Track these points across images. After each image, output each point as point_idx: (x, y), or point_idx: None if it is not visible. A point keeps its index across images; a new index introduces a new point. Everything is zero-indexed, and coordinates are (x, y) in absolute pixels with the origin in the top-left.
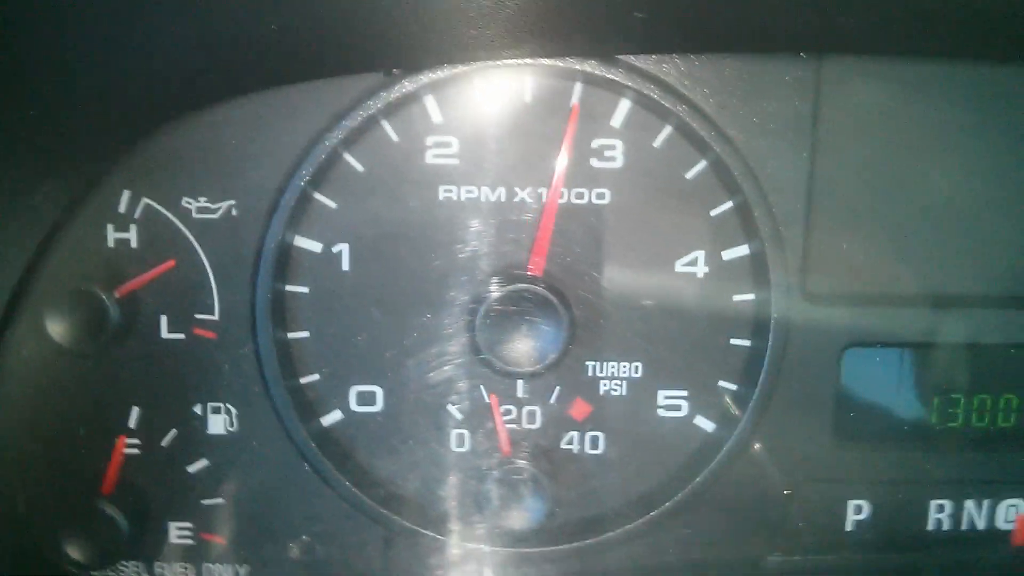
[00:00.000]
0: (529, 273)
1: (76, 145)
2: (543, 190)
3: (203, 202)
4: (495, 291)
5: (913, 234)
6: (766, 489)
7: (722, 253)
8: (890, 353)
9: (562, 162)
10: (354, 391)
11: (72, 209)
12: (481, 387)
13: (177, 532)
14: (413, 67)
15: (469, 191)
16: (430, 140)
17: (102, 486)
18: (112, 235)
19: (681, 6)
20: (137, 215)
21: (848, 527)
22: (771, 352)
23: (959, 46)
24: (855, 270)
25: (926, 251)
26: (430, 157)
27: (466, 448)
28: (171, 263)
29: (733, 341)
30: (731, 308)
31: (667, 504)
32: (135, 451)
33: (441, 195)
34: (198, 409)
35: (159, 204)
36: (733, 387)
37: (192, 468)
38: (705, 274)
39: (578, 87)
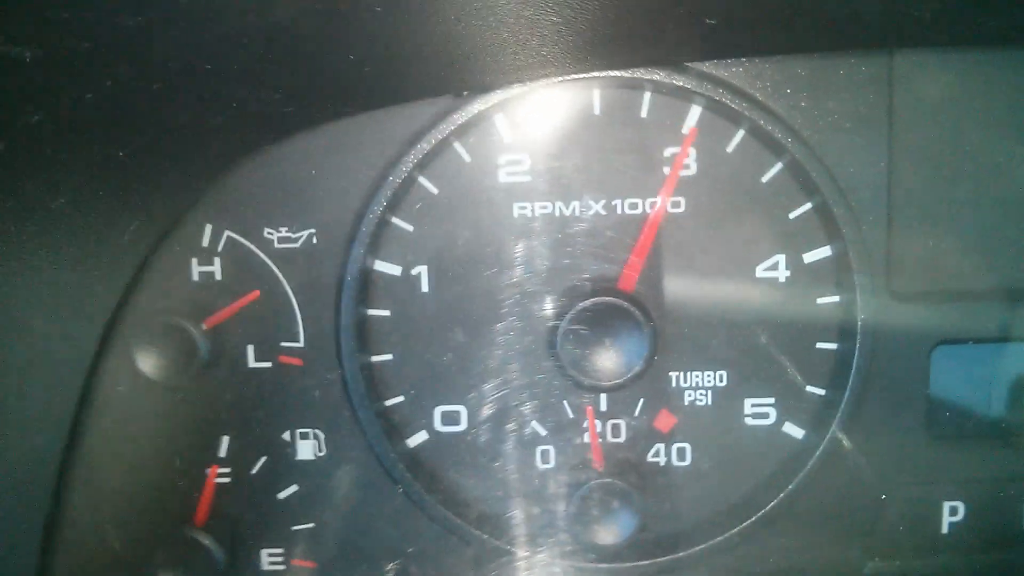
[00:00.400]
0: (615, 287)
1: (159, 182)
2: (618, 201)
3: (284, 232)
4: (576, 306)
5: (997, 226)
6: (860, 494)
7: (803, 256)
8: (981, 349)
9: (669, 178)
10: (439, 411)
11: (158, 245)
12: (565, 403)
13: (270, 559)
14: (482, 88)
15: (543, 207)
16: (502, 159)
17: (195, 516)
18: (197, 268)
19: (750, 9)
20: (220, 248)
21: (944, 529)
22: (860, 354)
23: None
24: (940, 266)
25: (1012, 243)
26: (503, 175)
27: (552, 464)
28: (256, 294)
29: (819, 345)
30: (816, 311)
31: (759, 514)
32: (226, 480)
33: (516, 212)
34: (287, 436)
35: (241, 236)
36: (822, 392)
37: (283, 495)
38: (787, 278)
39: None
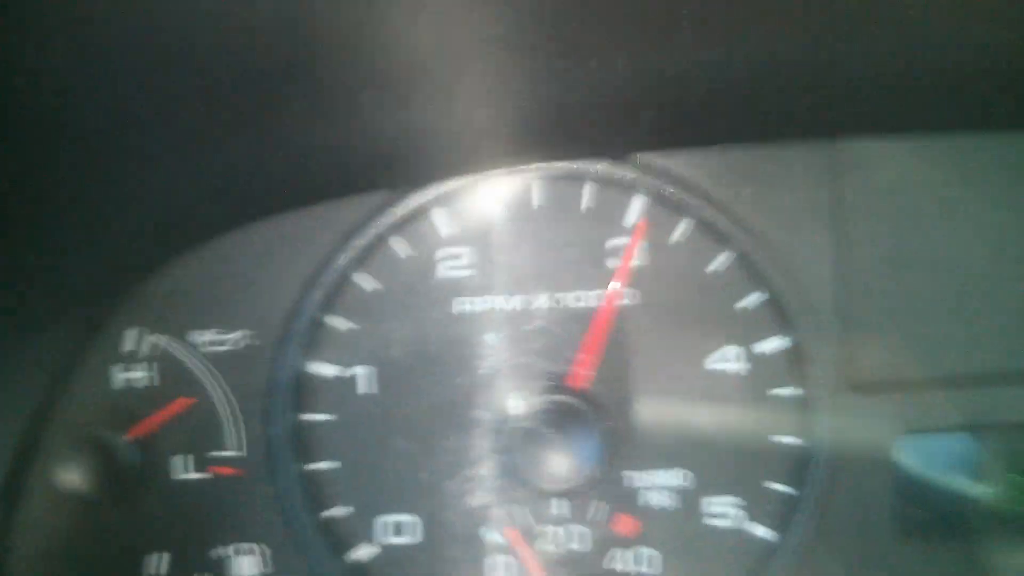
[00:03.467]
0: (564, 384)
1: (77, 287)
2: (565, 295)
3: (213, 334)
4: (523, 406)
5: (954, 313)
6: None
7: (757, 347)
8: (946, 439)
9: (619, 270)
10: (389, 522)
11: (77, 353)
12: (521, 509)
13: None
14: (418, 181)
15: (485, 302)
16: (441, 253)
17: None
18: (119, 375)
19: (691, 101)
20: (145, 353)
21: None
22: (820, 449)
23: (975, 116)
24: (899, 355)
25: (969, 329)
26: (442, 270)
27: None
28: (184, 400)
29: (780, 440)
30: (774, 404)
31: None
32: None
33: (456, 308)
34: (227, 551)
35: (168, 340)
36: (786, 489)
37: None
38: (742, 370)
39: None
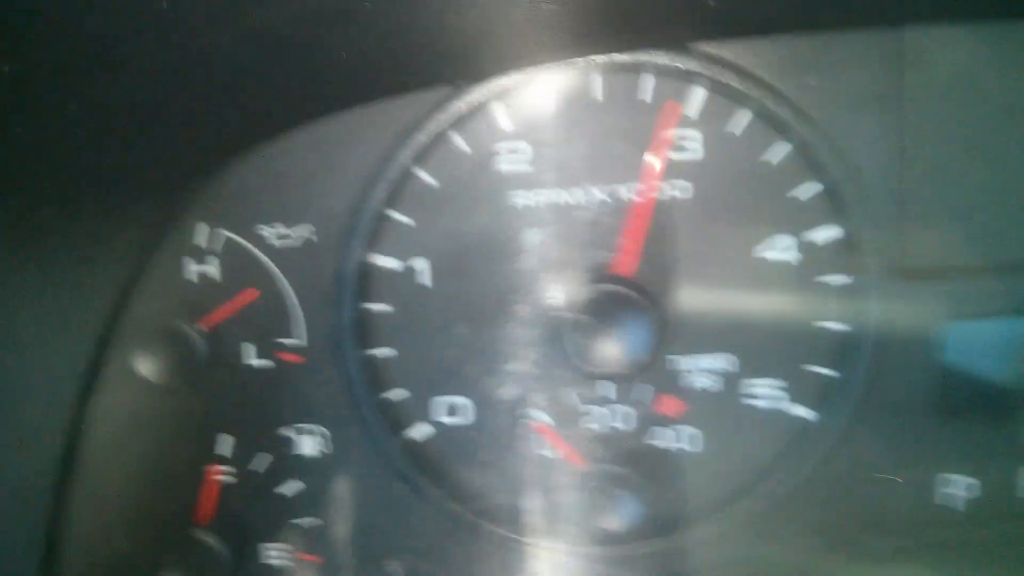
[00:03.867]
0: (615, 274)
1: (150, 185)
2: (620, 187)
3: (279, 228)
4: (579, 295)
5: (1009, 201)
6: (867, 474)
7: (812, 237)
8: (992, 324)
9: (648, 159)
10: (443, 404)
11: (152, 247)
12: (570, 392)
13: (276, 556)
14: (478, 77)
15: (545, 195)
16: (501, 147)
17: (200, 516)
18: (191, 268)
19: None
20: (214, 246)
21: (959, 506)
22: (868, 334)
23: None
24: (951, 243)
25: (1022, 216)
26: (502, 164)
27: (558, 454)
28: (253, 292)
29: (827, 325)
30: (823, 291)
31: (768, 496)
32: (231, 479)
33: (517, 202)
34: (290, 433)
35: (236, 234)
36: (832, 373)
37: (288, 491)
38: (796, 259)
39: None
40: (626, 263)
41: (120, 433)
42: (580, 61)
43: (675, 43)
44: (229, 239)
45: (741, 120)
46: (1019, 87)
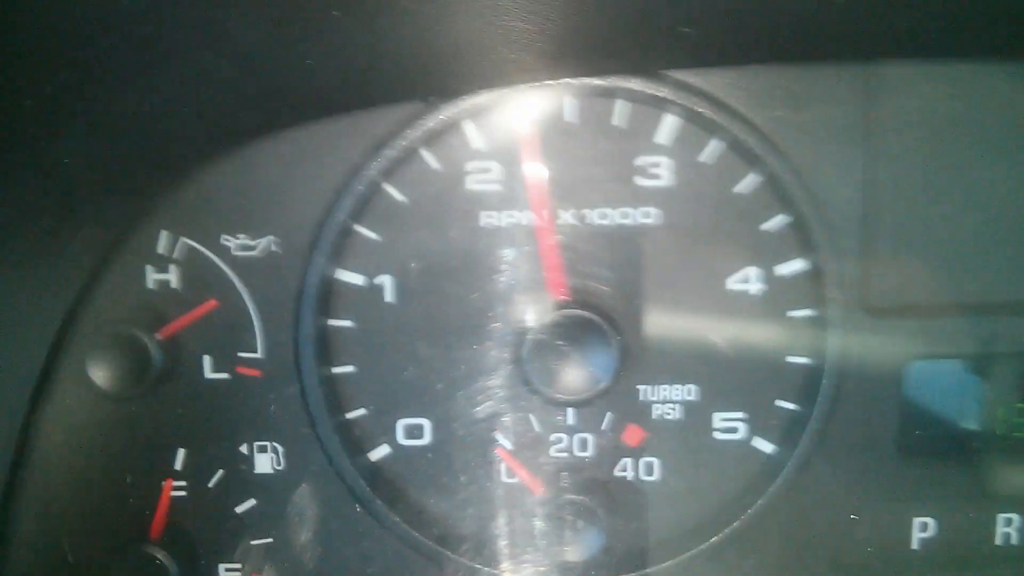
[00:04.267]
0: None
1: (111, 187)
2: (587, 212)
3: (243, 239)
4: (544, 318)
5: (974, 241)
6: (829, 511)
7: (776, 268)
8: (954, 365)
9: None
10: (402, 425)
11: (110, 252)
12: (531, 417)
13: (227, 574)
14: (451, 93)
15: (511, 216)
16: (470, 166)
17: (151, 531)
18: (152, 276)
19: (728, 18)
20: (176, 255)
21: (914, 545)
22: (831, 369)
23: (1013, 44)
24: (916, 282)
25: (988, 258)
26: (471, 183)
27: (518, 480)
28: (213, 303)
29: (791, 359)
30: (788, 325)
31: (727, 530)
32: (182, 493)
33: (483, 221)
34: (244, 449)
35: (198, 243)
36: (793, 406)
37: (240, 509)
38: (759, 291)
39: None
40: (558, 283)
41: (71, 441)
42: (554, 83)
43: (650, 70)
44: (191, 247)
45: (713, 150)
46: (985, 125)
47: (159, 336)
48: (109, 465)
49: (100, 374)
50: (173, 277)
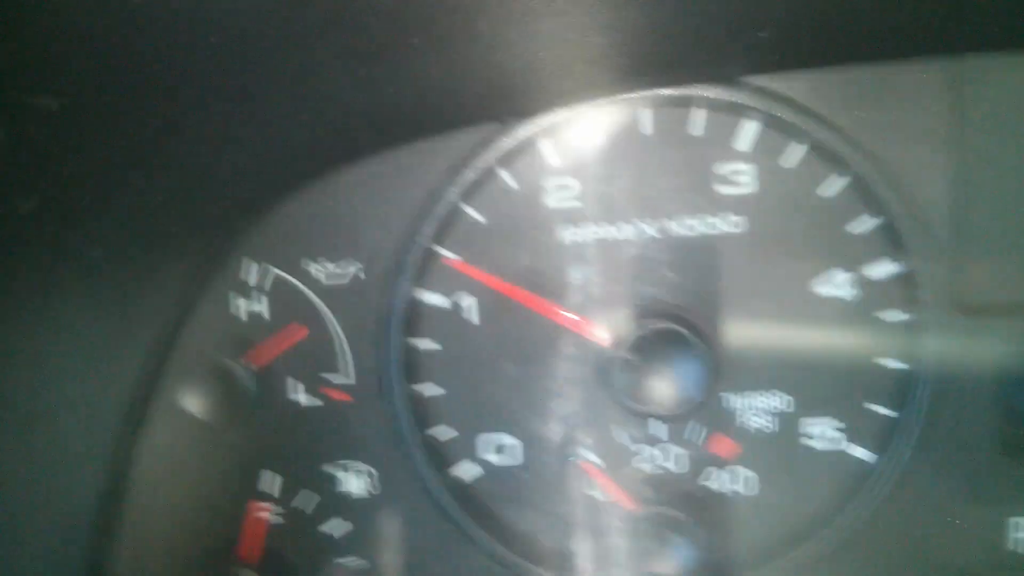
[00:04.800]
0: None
1: (202, 221)
2: (670, 222)
3: (328, 266)
4: (629, 332)
5: None
6: (930, 517)
7: (868, 272)
8: None
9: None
10: (491, 443)
11: (201, 284)
12: (619, 431)
13: None
14: (526, 113)
15: (594, 231)
16: (550, 184)
17: (247, 555)
18: (241, 306)
19: (806, 20)
20: (265, 285)
21: (1010, 546)
22: (927, 372)
23: None
24: (1010, 279)
25: None
26: (551, 201)
27: (607, 496)
28: (301, 329)
29: (884, 363)
30: (881, 328)
31: (826, 540)
32: (277, 517)
33: (566, 238)
34: (336, 471)
35: (285, 272)
36: (889, 412)
37: (333, 530)
38: (852, 296)
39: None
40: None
41: (166, 469)
42: (629, 96)
43: (726, 76)
44: (277, 276)
45: (794, 154)
46: None
47: (251, 365)
48: (205, 493)
49: (195, 404)
50: (262, 306)
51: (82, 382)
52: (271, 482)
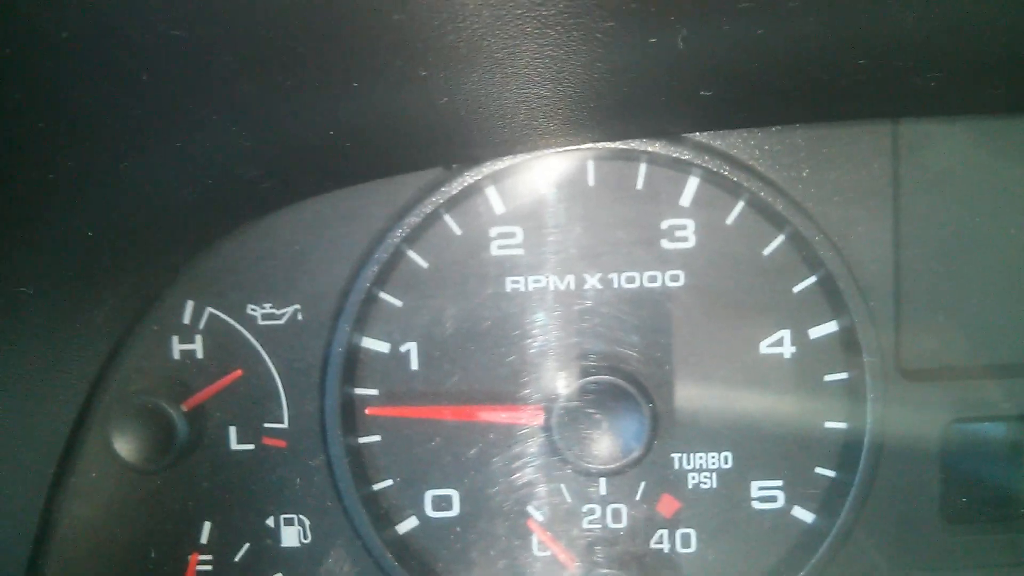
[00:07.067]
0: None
1: (136, 259)
2: (613, 276)
3: (268, 308)
4: (571, 385)
5: (1009, 300)
6: None
7: (808, 331)
8: (998, 427)
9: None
10: (429, 496)
11: (135, 323)
12: (562, 488)
13: None
14: (472, 160)
15: (536, 280)
16: (494, 231)
17: None
18: (177, 347)
19: (748, 81)
20: (202, 325)
21: None
22: (870, 434)
23: None
24: (952, 341)
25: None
26: (495, 248)
27: (550, 554)
28: (238, 373)
29: (828, 424)
30: (823, 389)
31: None
32: (208, 567)
33: (508, 287)
34: (271, 521)
35: (224, 313)
36: (832, 474)
37: None
38: (792, 354)
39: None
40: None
41: (95, 514)
42: (574, 147)
43: (672, 133)
44: (212, 314)
45: (738, 212)
46: (1016, 181)
47: (184, 407)
48: (134, 539)
49: (125, 446)
50: (198, 347)
51: (10, 420)
52: (204, 532)
